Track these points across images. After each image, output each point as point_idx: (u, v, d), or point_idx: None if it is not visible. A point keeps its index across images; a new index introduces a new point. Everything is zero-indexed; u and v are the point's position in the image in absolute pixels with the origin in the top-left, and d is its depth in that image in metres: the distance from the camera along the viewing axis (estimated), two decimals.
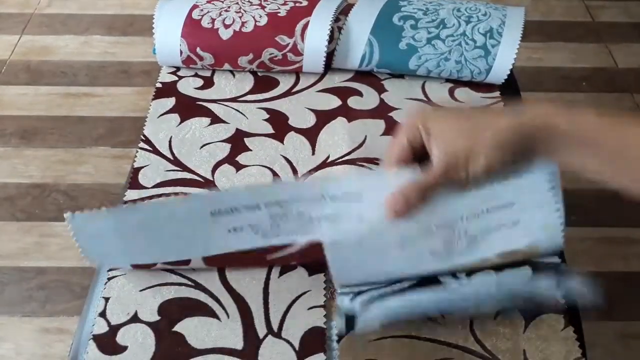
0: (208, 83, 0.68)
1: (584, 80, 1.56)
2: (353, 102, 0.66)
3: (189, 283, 0.50)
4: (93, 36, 1.65)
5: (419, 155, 0.43)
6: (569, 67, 1.60)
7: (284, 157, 0.60)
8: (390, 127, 0.62)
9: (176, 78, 0.69)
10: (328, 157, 0.59)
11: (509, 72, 0.66)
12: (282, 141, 0.61)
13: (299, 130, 0.63)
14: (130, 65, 1.56)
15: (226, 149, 0.61)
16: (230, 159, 0.59)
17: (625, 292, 1.12)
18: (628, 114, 0.38)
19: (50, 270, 1.14)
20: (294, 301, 0.49)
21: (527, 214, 0.44)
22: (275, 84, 0.68)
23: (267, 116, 0.64)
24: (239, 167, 0.59)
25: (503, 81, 0.67)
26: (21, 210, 1.23)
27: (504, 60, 0.64)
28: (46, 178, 1.29)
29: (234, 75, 0.69)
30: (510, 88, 0.68)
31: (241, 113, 0.64)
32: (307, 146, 0.61)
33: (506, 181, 0.42)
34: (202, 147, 0.61)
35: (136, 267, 0.49)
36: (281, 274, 0.50)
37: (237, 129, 0.63)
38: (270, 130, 0.62)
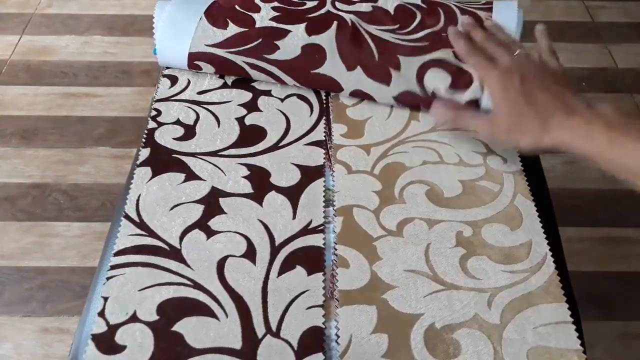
0: (189, 133, 0.63)
1: (583, 80, 1.56)
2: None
3: (188, 283, 0.50)
4: (93, 36, 1.65)
5: None
6: (568, 67, 1.60)
7: (261, 221, 0.55)
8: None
9: (155, 125, 0.63)
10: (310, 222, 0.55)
11: None
12: (260, 203, 0.56)
13: (281, 190, 0.57)
14: (131, 66, 1.56)
15: (199, 211, 0.56)
16: (202, 224, 0.54)
17: (625, 292, 1.13)
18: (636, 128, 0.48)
19: (50, 270, 1.14)
20: (292, 301, 0.49)
21: None
22: (261, 137, 0.62)
23: (247, 173, 0.59)
24: (210, 233, 0.54)
25: None
26: (21, 210, 1.24)
27: None
28: (46, 178, 1.30)
29: (219, 124, 0.63)
30: None
31: (220, 169, 0.59)
32: (289, 209, 0.56)
33: None
34: (172, 208, 0.56)
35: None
36: (280, 273, 0.51)
37: (212, 187, 0.58)
38: (249, 190, 0.58)
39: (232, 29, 0.66)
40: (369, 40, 0.65)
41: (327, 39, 0.65)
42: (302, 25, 0.66)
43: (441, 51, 0.64)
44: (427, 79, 0.63)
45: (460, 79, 0.62)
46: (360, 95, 0.65)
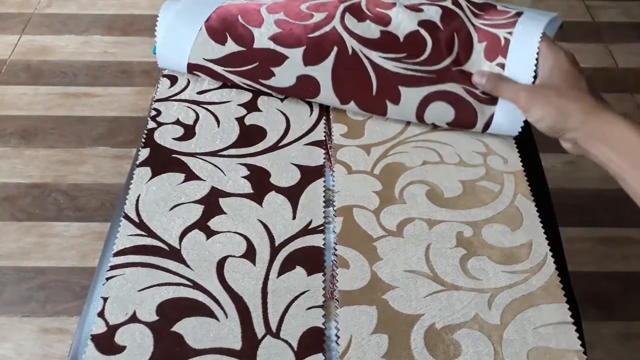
0: (189, 133, 0.62)
1: None
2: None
3: (188, 283, 0.50)
4: (93, 36, 1.65)
5: None
6: None
7: (261, 222, 0.55)
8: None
9: (155, 125, 0.63)
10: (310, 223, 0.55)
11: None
12: (260, 203, 0.56)
13: (281, 190, 0.57)
14: (130, 65, 1.56)
15: (198, 211, 0.56)
16: (201, 224, 0.54)
17: (625, 292, 1.13)
18: None
19: (50, 270, 1.14)
20: (292, 301, 0.49)
21: None
22: (261, 137, 0.62)
23: (247, 173, 0.59)
24: (210, 233, 0.53)
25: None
26: (21, 210, 1.24)
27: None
28: (46, 178, 1.30)
29: (218, 124, 0.63)
30: None
31: (219, 169, 0.59)
32: (289, 209, 0.56)
33: None
34: (171, 208, 0.56)
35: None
36: (280, 273, 0.51)
37: (212, 187, 0.58)
38: (249, 190, 0.58)
39: (230, 47, 0.64)
40: (370, 69, 0.62)
41: (322, 71, 0.62)
42: (300, 51, 0.62)
43: (448, 84, 0.61)
44: (429, 112, 0.61)
45: (465, 113, 0.61)
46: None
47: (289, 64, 0.63)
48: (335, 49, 0.62)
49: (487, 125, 0.61)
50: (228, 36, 0.65)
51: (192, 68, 0.66)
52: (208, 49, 0.65)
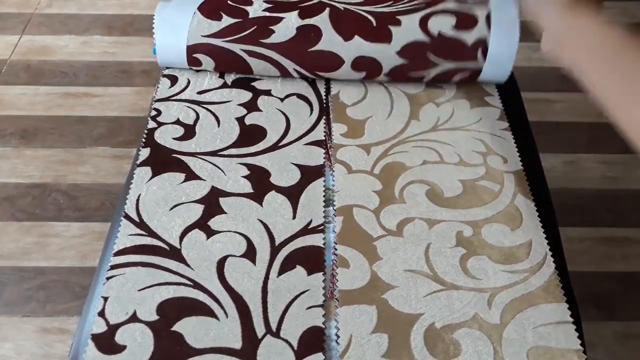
0: (189, 133, 0.63)
1: None
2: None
3: (188, 283, 0.50)
4: (93, 36, 1.65)
5: None
6: None
7: (261, 221, 0.55)
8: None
9: (155, 125, 0.63)
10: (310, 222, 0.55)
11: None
12: (260, 203, 0.57)
13: (281, 189, 0.58)
14: (130, 65, 1.56)
15: (199, 210, 0.56)
16: (202, 224, 0.54)
17: (625, 292, 1.12)
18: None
19: (50, 270, 1.14)
20: (292, 301, 0.49)
21: None
22: (261, 137, 0.62)
23: (247, 172, 0.59)
24: (210, 233, 0.54)
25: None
26: (21, 210, 1.23)
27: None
28: (46, 178, 1.30)
29: (218, 124, 0.63)
30: (510, 88, 0.68)
31: (219, 169, 0.59)
32: (289, 208, 0.56)
33: None
34: (172, 208, 0.56)
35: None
36: (280, 273, 0.51)
37: (212, 187, 0.58)
38: (249, 190, 0.58)
39: (227, 20, 0.66)
40: (365, 14, 0.66)
41: (320, 20, 0.66)
42: (295, 12, 0.66)
43: (442, 4, 0.66)
44: (432, 23, 0.64)
45: (465, 19, 0.64)
46: (362, 65, 0.65)
47: (286, 22, 0.66)
48: (328, 8, 0.67)
49: (488, 23, 0.64)
50: (223, 14, 0.67)
51: (192, 51, 0.66)
52: (205, 26, 0.66)
